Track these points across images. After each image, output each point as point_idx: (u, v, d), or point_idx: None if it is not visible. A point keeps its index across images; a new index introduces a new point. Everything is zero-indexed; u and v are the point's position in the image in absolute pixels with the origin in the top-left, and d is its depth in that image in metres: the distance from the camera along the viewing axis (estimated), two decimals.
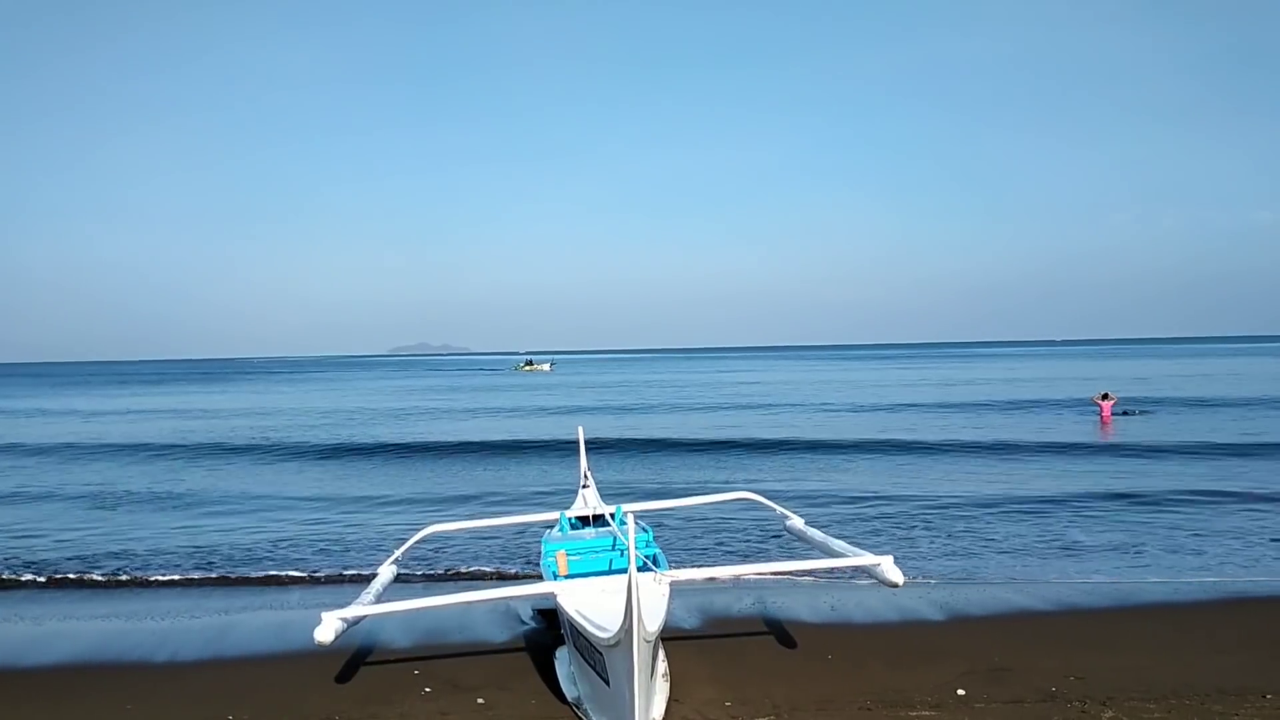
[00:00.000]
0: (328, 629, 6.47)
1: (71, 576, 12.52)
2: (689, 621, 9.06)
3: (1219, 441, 23.44)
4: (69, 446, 30.78)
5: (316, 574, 12.32)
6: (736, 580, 10.39)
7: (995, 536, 13.71)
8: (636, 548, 5.90)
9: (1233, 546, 12.76)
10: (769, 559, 12.18)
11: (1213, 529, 13.92)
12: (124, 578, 12.40)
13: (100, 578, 12.42)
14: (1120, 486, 17.84)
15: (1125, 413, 35.01)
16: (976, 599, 9.82)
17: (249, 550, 13.89)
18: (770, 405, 43.47)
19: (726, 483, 19.73)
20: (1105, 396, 34.85)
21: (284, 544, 14.28)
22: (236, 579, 12.19)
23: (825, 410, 40.42)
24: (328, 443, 30.25)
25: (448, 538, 13.29)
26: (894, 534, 14.10)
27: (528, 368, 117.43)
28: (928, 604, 9.50)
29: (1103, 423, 32.84)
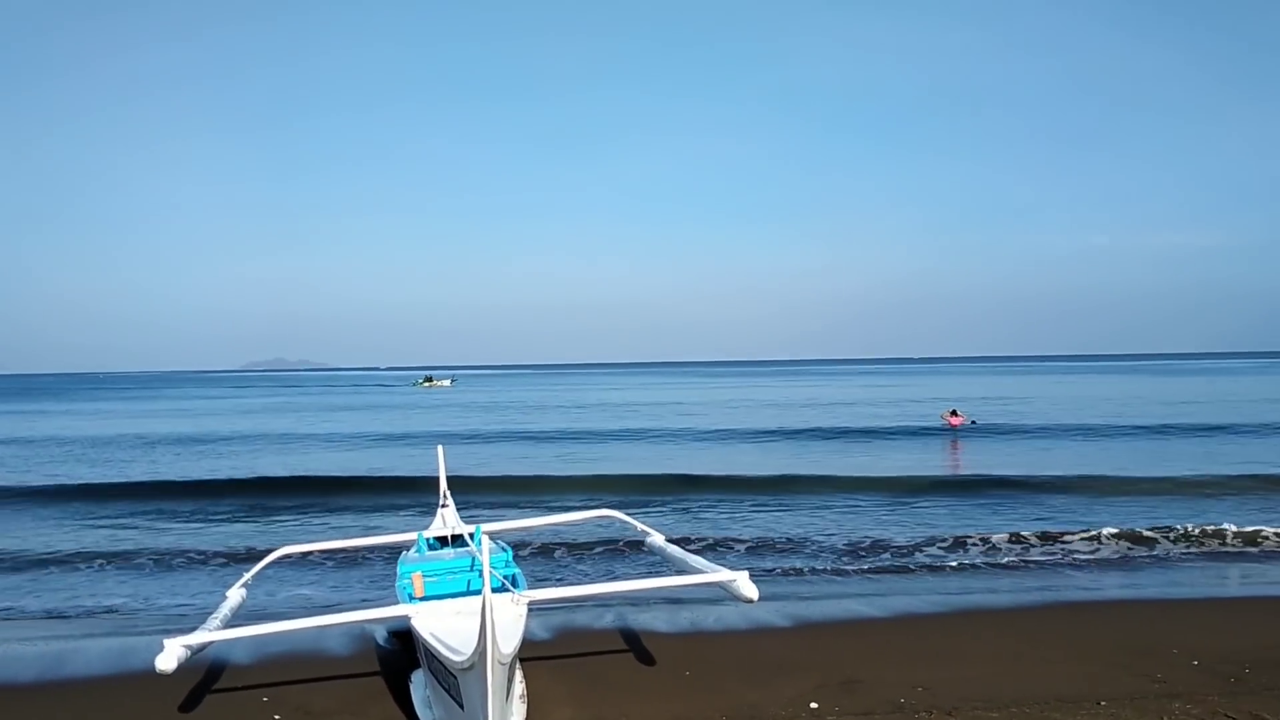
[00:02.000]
0: (170, 656, 6.16)
1: None
2: (548, 641, 9.03)
3: (1052, 474, 23.91)
4: None
5: (159, 604, 11.81)
6: (597, 598, 10.39)
7: (838, 554, 14.23)
8: (495, 567, 5.86)
9: (1059, 558, 13.52)
10: (629, 576, 12.21)
11: (1042, 539, 14.75)
12: None
13: None
14: (953, 504, 18.85)
15: (973, 423, 37.85)
16: (829, 612, 10.09)
17: (89, 589, 13.04)
18: (641, 431, 43.10)
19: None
20: (954, 413, 37.27)
21: (132, 581, 13.46)
22: (75, 612, 11.54)
23: (686, 436, 39.86)
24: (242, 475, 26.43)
25: (301, 560, 12.91)
26: (744, 558, 14.30)
27: (427, 384, 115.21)
28: (782, 617, 9.69)
29: (951, 434, 34.94)
